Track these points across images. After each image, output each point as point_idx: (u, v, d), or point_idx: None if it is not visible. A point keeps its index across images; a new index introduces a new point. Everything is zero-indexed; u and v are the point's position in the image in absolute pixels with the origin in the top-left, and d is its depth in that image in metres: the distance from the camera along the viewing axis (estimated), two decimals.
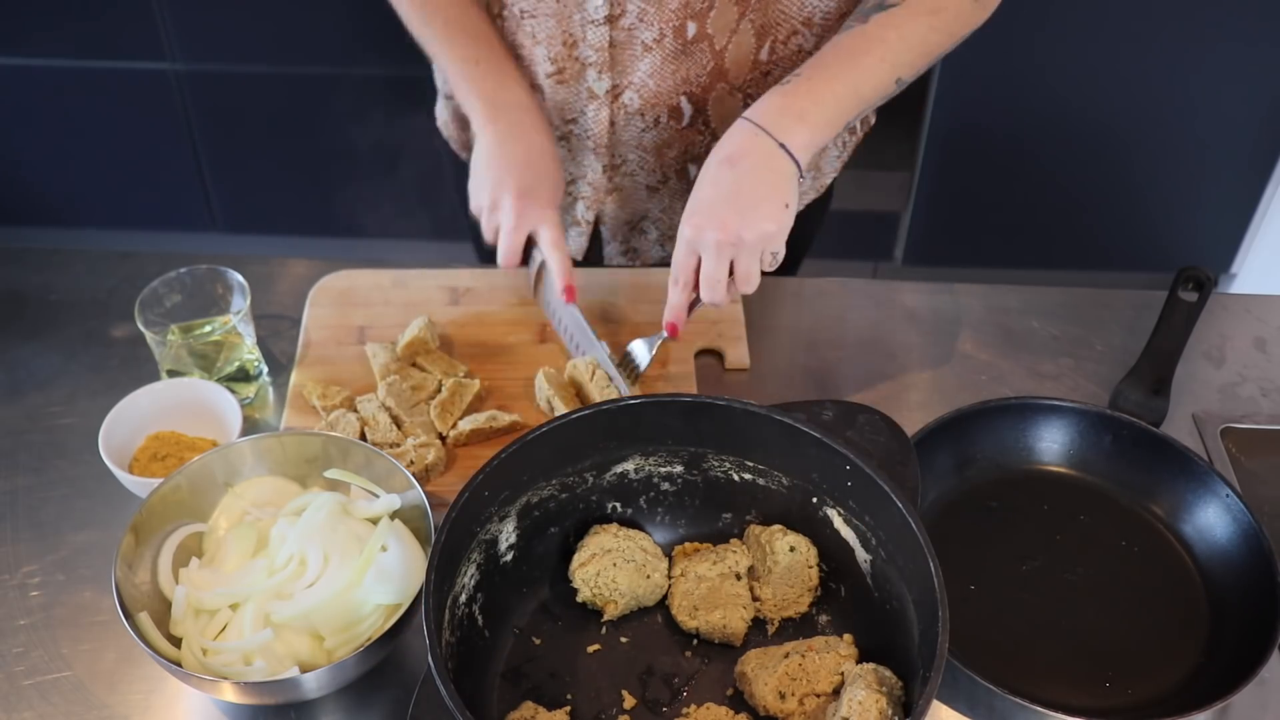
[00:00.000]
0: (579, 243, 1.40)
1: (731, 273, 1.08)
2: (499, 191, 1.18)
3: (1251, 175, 2.55)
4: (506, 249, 1.18)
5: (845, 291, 1.39)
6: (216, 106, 2.52)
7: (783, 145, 1.06)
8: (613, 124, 1.26)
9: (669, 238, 1.39)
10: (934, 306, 1.36)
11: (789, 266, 1.54)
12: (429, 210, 2.45)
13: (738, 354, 1.27)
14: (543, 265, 1.21)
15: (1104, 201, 2.59)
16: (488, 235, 1.21)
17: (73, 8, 2.38)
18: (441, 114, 1.45)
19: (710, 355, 1.28)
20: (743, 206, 1.05)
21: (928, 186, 2.55)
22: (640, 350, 1.20)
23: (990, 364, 1.30)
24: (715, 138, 1.27)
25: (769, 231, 1.05)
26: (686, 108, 1.24)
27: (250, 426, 1.19)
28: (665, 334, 1.14)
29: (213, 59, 2.45)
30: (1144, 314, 1.32)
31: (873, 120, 1.41)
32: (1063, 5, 2.29)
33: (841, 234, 2.66)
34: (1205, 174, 2.54)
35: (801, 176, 1.08)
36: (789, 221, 1.07)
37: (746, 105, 1.26)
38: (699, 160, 1.31)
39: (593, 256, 1.42)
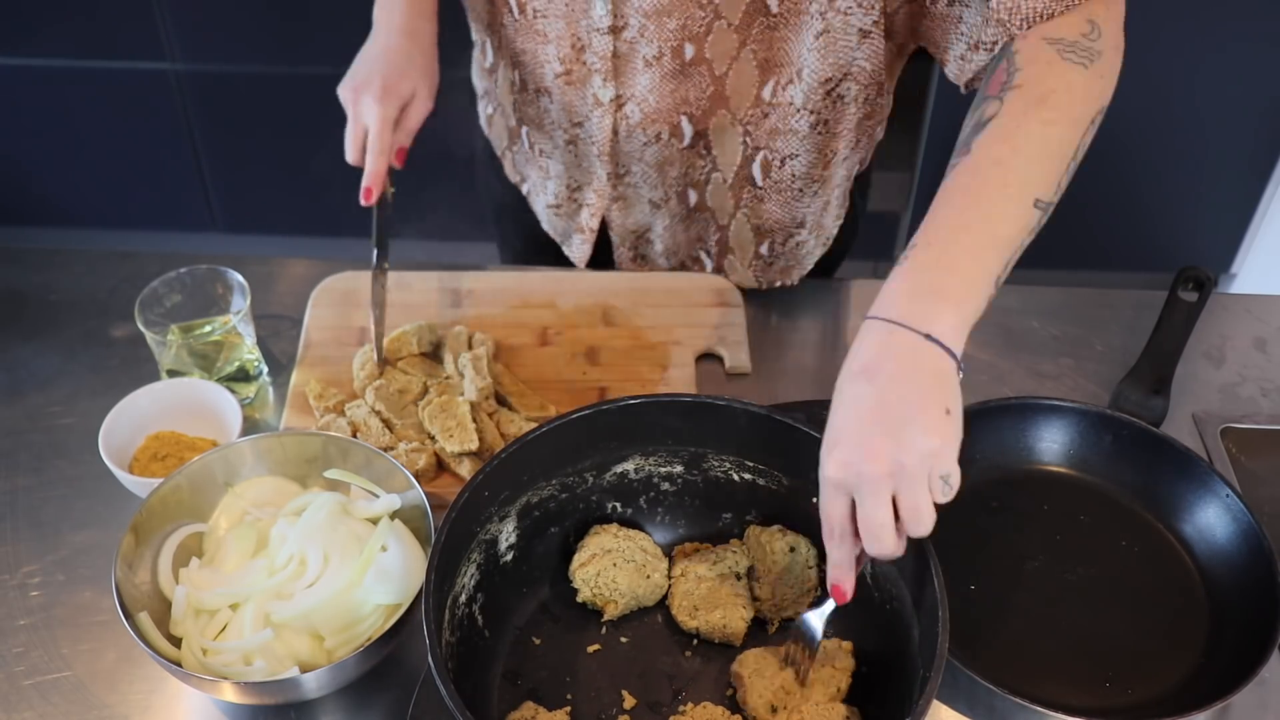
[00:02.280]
0: (583, 250, 1.40)
1: (897, 515, 0.84)
2: (349, 83, 1.21)
3: (1251, 175, 2.55)
4: (348, 139, 1.20)
5: (846, 292, 1.39)
6: (216, 106, 2.52)
7: (928, 336, 0.85)
8: (615, 133, 1.26)
9: (673, 253, 1.39)
10: None
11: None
12: (429, 210, 2.45)
13: (739, 358, 1.27)
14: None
15: (1104, 201, 2.59)
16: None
17: (73, 8, 2.38)
18: (484, 111, 1.46)
19: (711, 359, 1.28)
20: (893, 425, 0.82)
21: (928, 186, 2.55)
22: (811, 623, 0.95)
23: (990, 364, 1.30)
24: (716, 168, 1.26)
25: (933, 448, 0.82)
26: (687, 128, 1.24)
27: (250, 426, 1.20)
28: (833, 600, 0.90)
29: (213, 59, 2.46)
30: (1144, 314, 1.32)
31: (888, 109, 1.34)
32: None
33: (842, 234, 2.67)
34: (1205, 174, 2.54)
35: (961, 370, 0.86)
36: (957, 432, 0.84)
37: (746, 144, 1.23)
38: (699, 186, 1.30)
39: (602, 261, 1.42)
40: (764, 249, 1.34)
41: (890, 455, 0.82)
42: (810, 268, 1.38)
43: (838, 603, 0.89)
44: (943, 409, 0.83)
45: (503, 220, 1.56)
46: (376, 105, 1.18)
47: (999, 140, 0.92)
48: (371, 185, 1.19)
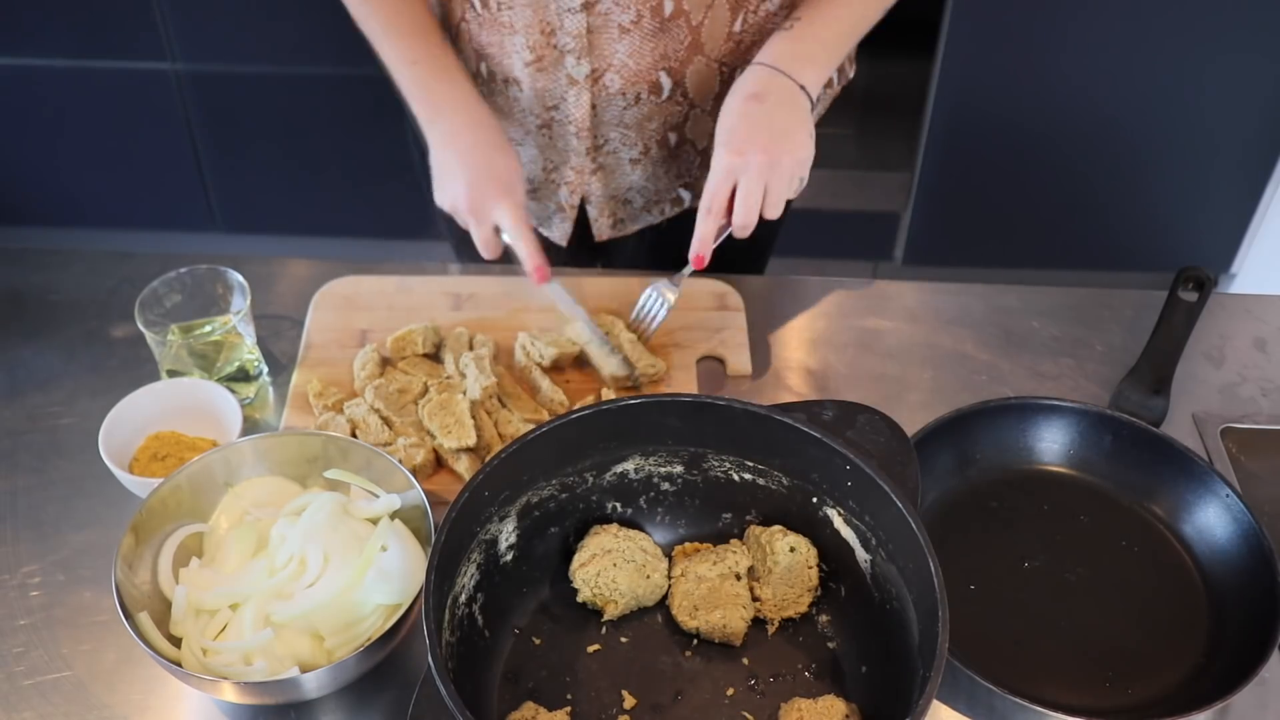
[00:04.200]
0: (564, 228, 1.41)
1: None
2: (454, 196, 1.20)
3: (1251, 175, 2.55)
4: (481, 246, 1.21)
5: (845, 291, 1.39)
6: (216, 106, 2.52)
7: (801, 86, 1.16)
8: (594, 107, 1.27)
9: (654, 204, 1.41)
10: (934, 306, 1.36)
11: (759, 263, 1.55)
12: (428, 211, 2.46)
13: (740, 361, 1.27)
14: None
15: (1104, 201, 2.59)
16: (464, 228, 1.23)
17: (73, 8, 2.38)
18: None
19: (712, 361, 1.28)
20: (779, 134, 1.14)
21: (928, 186, 2.55)
22: (666, 291, 1.24)
23: (990, 364, 1.30)
24: (694, 107, 1.31)
25: (803, 158, 1.15)
26: (666, 82, 1.27)
27: (250, 426, 1.20)
28: (691, 267, 1.17)
29: (213, 59, 2.45)
30: (1144, 314, 1.32)
31: (851, 74, 1.44)
32: (1063, 6, 2.29)
33: (841, 234, 2.67)
34: (1205, 174, 2.54)
35: (812, 110, 1.18)
36: (814, 150, 1.16)
37: (722, 75, 1.31)
38: (678, 129, 1.33)
39: (580, 234, 1.43)
40: None
41: (776, 153, 1.13)
42: None
43: (696, 269, 1.17)
44: (809, 132, 1.17)
45: (463, 239, 1.55)
46: (501, 202, 1.18)
47: None
48: (539, 264, 1.19)
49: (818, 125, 1.43)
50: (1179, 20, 2.30)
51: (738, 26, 1.24)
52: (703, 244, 1.16)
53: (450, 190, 1.20)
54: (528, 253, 1.19)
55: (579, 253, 1.45)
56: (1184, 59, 2.36)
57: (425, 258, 1.40)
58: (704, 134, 1.34)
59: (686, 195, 1.41)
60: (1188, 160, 2.52)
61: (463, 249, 1.59)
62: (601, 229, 1.42)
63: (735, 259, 1.38)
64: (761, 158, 1.12)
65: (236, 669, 0.93)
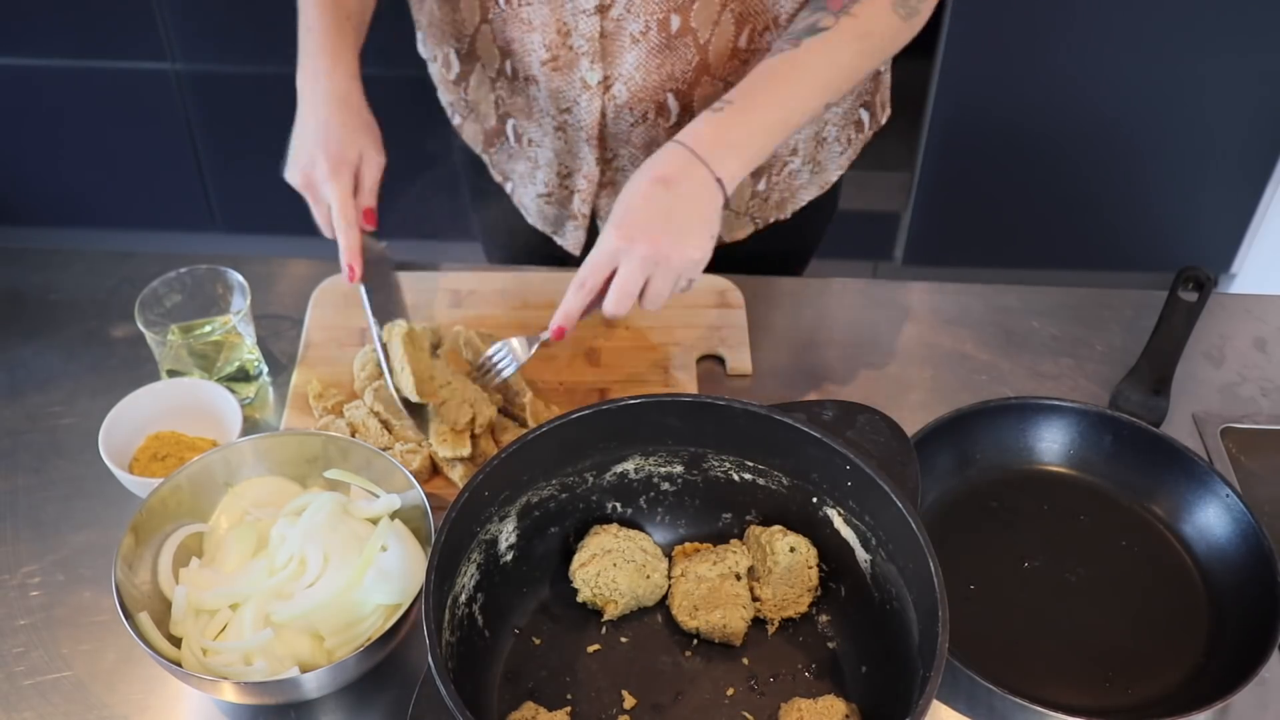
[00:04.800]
0: (577, 236, 1.40)
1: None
2: (292, 169, 1.21)
3: (1251, 175, 2.54)
4: (320, 224, 1.21)
5: (845, 291, 1.39)
6: (216, 106, 2.52)
7: (719, 180, 1.07)
8: (604, 115, 1.27)
9: None
10: (934, 306, 1.36)
11: (796, 266, 1.54)
12: (429, 210, 2.46)
13: (740, 360, 1.27)
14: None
15: (1104, 201, 2.59)
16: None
17: (73, 8, 2.38)
18: (454, 120, 1.45)
19: (712, 360, 1.28)
20: (675, 229, 1.05)
21: (928, 186, 2.55)
22: (519, 348, 1.16)
23: (990, 364, 1.30)
24: None
25: (695, 260, 1.06)
26: (673, 105, 1.25)
27: (250, 426, 1.19)
28: (549, 335, 1.10)
29: (213, 59, 2.45)
30: (1144, 314, 1.32)
31: (883, 119, 1.41)
32: (1063, 7, 2.29)
33: (841, 234, 2.66)
34: (1205, 174, 2.54)
35: (727, 205, 1.11)
36: (708, 254, 1.08)
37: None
38: None
39: (590, 245, 1.42)
40: (760, 185, 1.36)
41: (665, 249, 1.04)
42: (804, 203, 1.40)
43: (554, 339, 1.10)
44: (710, 234, 1.07)
45: (487, 223, 1.56)
46: (330, 182, 1.17)
47: (821, 52, 1.11)
48: (351, 262, 1.17)
49: (847, 166, 1.42)
50: (1179, 20, 2.30)
51: (742, 43, 1.21)
52: (566, 318, 1.08)
53: (292, 164, 1.21)
54: (344, 244, 1.17)
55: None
56: (1184, 59, 2.36)
57: (426, 258, 1.40)
58: None
59: None
60: (1188, 160, 2.52)
61: (490, 251, 1.60)
62: None
63: (777, 261, 1.39)
64: (648, 250, 1.04)
65: (236, 669, 0.93)
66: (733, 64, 1.23)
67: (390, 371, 1.15)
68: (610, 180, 1.34)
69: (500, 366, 1.16)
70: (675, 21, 1.18)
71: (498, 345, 1.16)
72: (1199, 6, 2.29)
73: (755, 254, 1.40)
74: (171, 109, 2.51)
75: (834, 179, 1.41)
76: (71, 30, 2.42)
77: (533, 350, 1.15)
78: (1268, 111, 2.43)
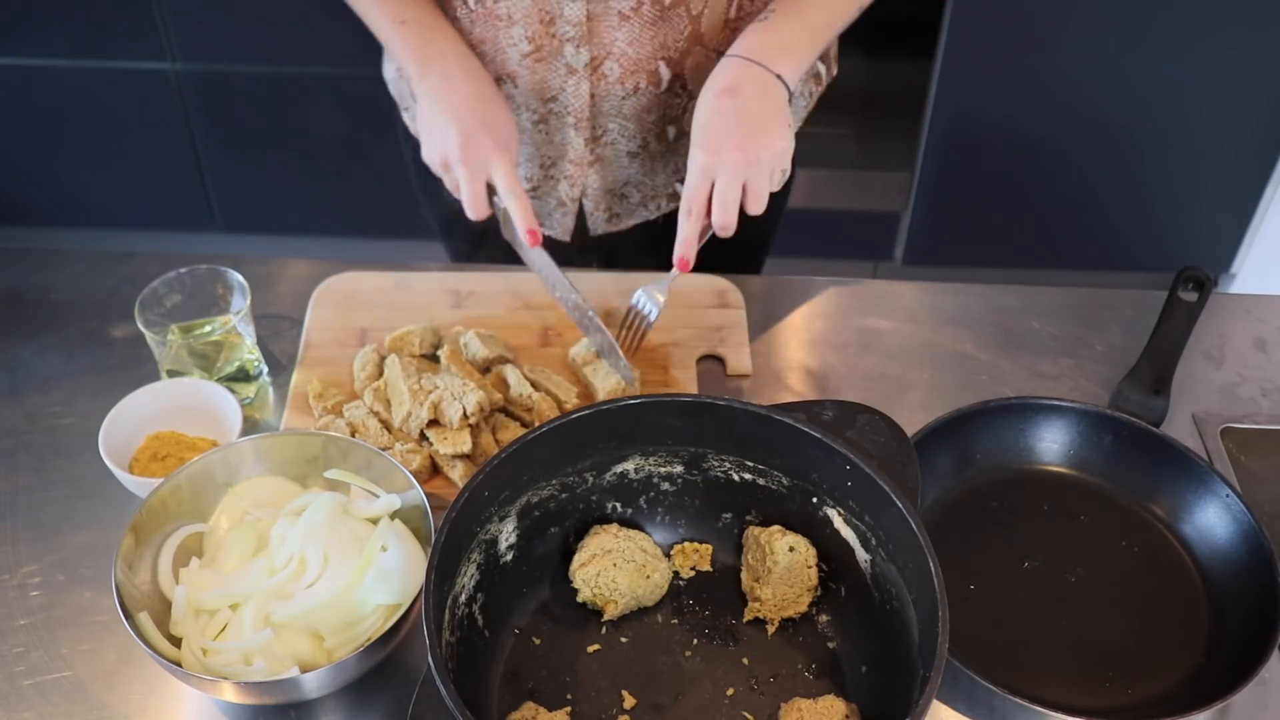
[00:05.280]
0: (566, 224, 1.40)
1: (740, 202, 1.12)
2: (445, 146, 1.16)
3: (1251, 175, 2.54)
4: (469, 201, 1.17)
5: (845, 291, 1.39)
6: (216, 106, 2.52)
7: (778, 75, 1.13)
8: (593, 96, 1.27)
9: (650, 198, 1.40)
10: (934, 306, 1.36)
11: (755, 261, 1.54)
12: (426, 210, 2.45)
13: (740, 360, 1.27)
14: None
15: (1104, 201, 2.59)
16: (451, 190, 1.20)
17: (73, 8, 2.38)
18: (388, 69, 1.43)
19: (712, 360, 1.28)
20: (754, 129, 1.11)
21: (928, 186, 2.55)
22: (656, 293, 1.19)
23: (990, 364, 1.30)
24: (692, 99, 1.28)
25: (781, 150, 1.12)
26: (665, 73, 1.26)
27: (250, 426, 1.19)
28: (676, 270, 1.15)
29: (213, 59, 2.45)
30: (1144, 314, 1.32)
31: (835, 71, 1.43)
32: (1063, 7, 2.29)
33: (841, 234, 2.67)
34: (1205, 174, 2.54)
35: (790, 101, 1.16)
36: (793, 141, 1.14)
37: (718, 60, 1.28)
38: (677, 121, 1.33)
39: (576, 229, 1.42)
40: None
41: (751, 149, 1.10)
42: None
43: (682, 271, 1.15)
44: (787, 122, 1.14)
45: (451, 228, 1.53)
46: (499, 155, 1.15)
47: None
48: (531, 227, 1.16)
49: (812, 125, 1.43)
50: (1179, 20, 2.30)
51: (733, 14, 1.24)
52: (685, 246, 1.14)
53: (441, 142, 1.16)
54: (521, 213, 1.15)
55: (582, 249, 1.44)
56: (1184, 59, 2.36)
57: (425, 258, 1.40)
58: None
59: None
60: (1188, 160, 2.52)
61: (460, 254, 1.59)
62: (597, 223, 1.41)
63: (731, 260, 1.38)
64: (737, 155, 1.10)
65: (236, 669, 0.93)
66: (724, 34, 1.25)
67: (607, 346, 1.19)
68: (599, 157, 1.34)
69: (645, 311, 1.20)
70: None
71: (636, 294, 1.20)
72: (1199, 7, 2.29)
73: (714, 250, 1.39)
74: (171, 109, 2.51)
75: (794, 130, 1.39)
76: (71, 30, 2.42)
77: (667, 290, 1.19)
78: (1268, 111, 2.43)
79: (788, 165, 1.14)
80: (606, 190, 1.38)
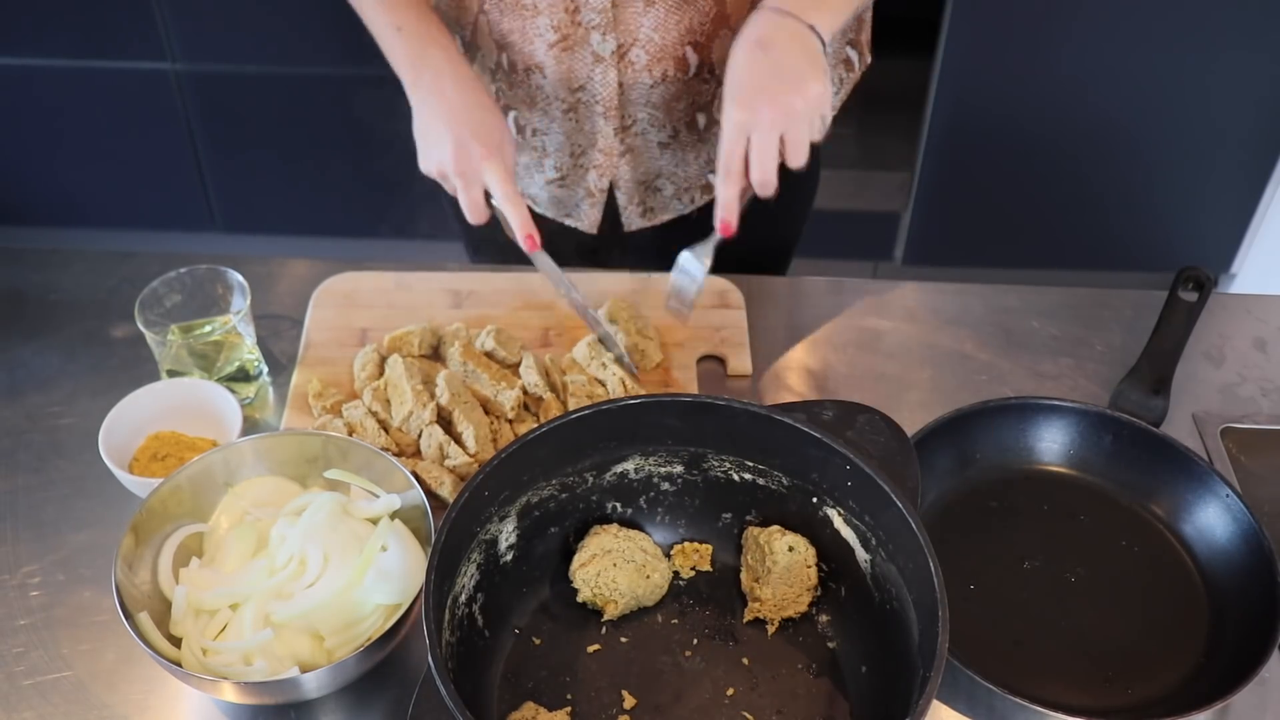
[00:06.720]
0: (593, 215, 1.39)
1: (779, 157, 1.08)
2: (439, 155, 1.16)
3: (1251, 175, 2.55)
4: (467, 208, 1.17)
5: (845, 291, 1.39)
6: (216, 106, 2.52)
7: (811, 26, 1.09)
8: (621, 84, 1.27)
9: (684, 190, 1.39)
10: (934, 306, 1.36)
11: (781, 263, 1.54)
12: (429, 210, 2.46)
13: (740, 360, 1.27)
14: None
15: (1104, 201, 2.59)
16: (451, 195, 1.20)
17: (73, 8, 2.38)
18: None
19: (713, 361, 1.28)
20: (788, 79, 1.07)
21: (928, 186, 2.55)
22: (692, 263, 1.15)
23: (990, 364, 1.30)
24: (721, 85, 1.25)
25: (817, 96, 1.07)
26: (692, 58, 1.25)
27: (250, 426, 1.19)
28: (719, 234, 1.11)
29: (213, 59, 2.45)
30: (1144, 314, 1.32)
31: (869, 59, 1.41)
32: (1063, 6, 2.29)
33: (841, 234, 2.67)
34: (1205, 174, 2.54)
35: (825, 53, 1.12)
36: (830, 86, 1.10)
37: None
38: (706, 109, 1.32)
39: (609, 222, 1.41)
40: None
41: (787, 100, 1.06)
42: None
43: (724, 236, 1.11)
44: (823, 68, 1.09)
45: (476, 228, 1.54)
46: (490, 162, 1.15)
47: None
48: (530, 232, 1.16)
49: (839, 108, 1.41)
50: (1179, 20, 2.30)
51: None
52: (727, 209, 1.10)
53: (435, 152, 1.17)
54: (518, 220, 1.15)
55: (610, 244, 1.43)
56: (1184, 59, 2.36)
57: (426, 257, 1.40)
58: None
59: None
60: (1188, 160, 2.52)
61: (478, 252, 1.59)
62: (631, 218, 1.41)
63: (757, 260, 1.37)
64: (771, 108, 1.06)
65: (236, 669, 0.93)
66: (749, 14, 1.23)
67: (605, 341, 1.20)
68: (630, 147, 1.34)
69: (693, 275, 1.16)
70: None
71: (684, 256, 1.16)
72: (1200, 7, 2.29)
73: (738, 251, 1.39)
74: (171, 109, 2.51)
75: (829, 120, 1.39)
76: (71, 30, 2.42)
77: (709, 260, 1.15)
78: (1268, 111, 2.43)
79: (827, 111, 1.09)
80: (639, 182, 1.38)
